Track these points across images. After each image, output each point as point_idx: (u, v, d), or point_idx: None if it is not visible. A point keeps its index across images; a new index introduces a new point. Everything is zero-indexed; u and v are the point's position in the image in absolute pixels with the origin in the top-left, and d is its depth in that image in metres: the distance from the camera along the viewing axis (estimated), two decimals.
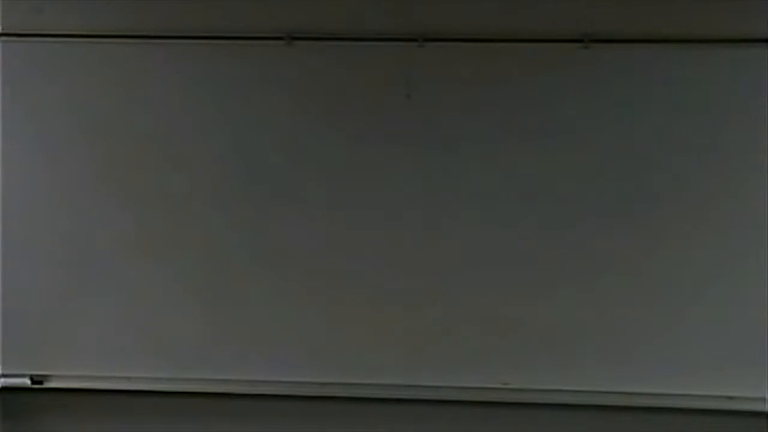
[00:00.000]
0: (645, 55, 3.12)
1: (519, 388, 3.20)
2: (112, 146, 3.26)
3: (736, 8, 3.09)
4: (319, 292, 3.23)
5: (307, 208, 3.22)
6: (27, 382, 3.33)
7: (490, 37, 3.15)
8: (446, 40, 3.16)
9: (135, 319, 3.27)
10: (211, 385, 3.27)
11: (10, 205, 3.26)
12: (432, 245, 3.20)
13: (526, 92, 3.17)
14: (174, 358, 3.27)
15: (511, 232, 3.18)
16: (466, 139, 3.18)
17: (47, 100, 3.27)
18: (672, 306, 3.15)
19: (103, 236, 3.26)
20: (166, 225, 3.26)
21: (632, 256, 3.15)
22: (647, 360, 3.15)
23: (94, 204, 3.26)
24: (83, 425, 3.38)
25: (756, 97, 3.09)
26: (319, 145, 3.22)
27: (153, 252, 3.26)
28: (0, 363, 3.31)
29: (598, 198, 3.15)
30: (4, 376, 3.33)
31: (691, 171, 3.13)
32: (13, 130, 3.26)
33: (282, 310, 3.25)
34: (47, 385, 3.34)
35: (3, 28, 3.25)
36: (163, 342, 3.27)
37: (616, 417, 3.21)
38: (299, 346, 3.25)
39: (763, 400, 3.12)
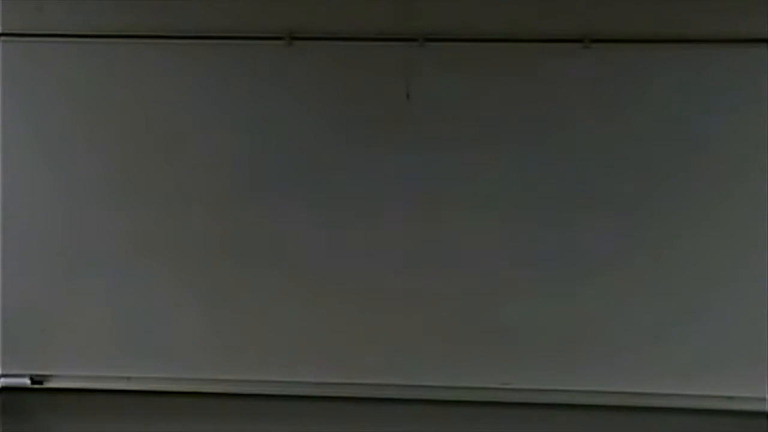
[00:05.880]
0: (645, 55, 3.12)
1: (519, 388, 3.20)
2: (112, 146, 3.26)
3: (736, 8, 3.09)
4: (319, 291, 3.23)
5: (307, 208, 3.22)
6: (27, 382, 3.34)
7: (490, 37, 3.15)
8: (446, 40, 3.16)
9: (135, 319, 3.27)
10: (211, 385, 3.28)
11: (10, 205, 3.26)
12: (432, 245, 3.19)
13: (526, 92, 3.17)
14: (174, 358, 3.27)
15: (512, 231, 3.18)
16: (466, 139, 3.18)
17: (47, 100, 3.26)
18: (672, 306, 3.15)
19: (103, 236, 3.26)
20: (166, 225, 3.26)
21: (632, 256, 3.15)
22: (647, 360, 3.15)
23: (94, 204, 3.26)
24: (83, 425, 3.39)
25: (756, 97, 3.09)
26: (318, 144, 3.22)
27: (153, 252, 3.26)
28: (0, 363, 3.31)
29: (597, 198, 3.15)
30: (4, 376, 3.33)
31: (691, 171, 3.13)
32: (13, 130, 3.26)
33: (282, 310, 3.25)
34: (47, 385, 3.34)
35: (3, 28, 3.25)
36: (162, 342, 3.27)
37: (616, 417, 3.21)
38: (299, 346, 3.25)
39: (763, 400, 3.12)
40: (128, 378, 3.30)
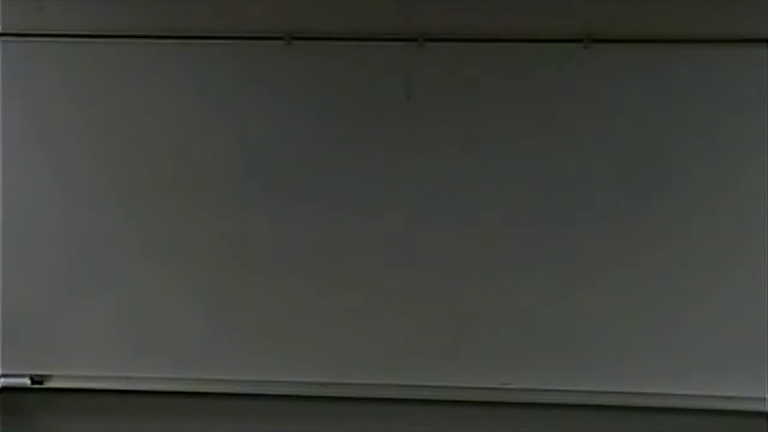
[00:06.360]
0: (645, 55, 3.12)
1: (519, 388, 3.20)
2: (112, 146, 3.26)
3: (736, 8, 3.09)
4: (319, 291, 3.23)
5: (307, 208, 3.22)
6: (27, 382, 3.33)
7: (490, 37, 3.15)
8: (446, 40, 3.16)
9: (135, 319, 3.27)
10: (211, 385, 3.27)
11: (10, 205, 3.26)
12: (431, 245, 3.19)
13: (526, 92, 3.17)
14: (174, 358, 3.27)
15: (511, 232, 3.18)
16: (465, 140, 3.18)
17: (47, 100, 3.27)
18: (672, 306, 3.15)
19: (103, 236, 3.26)
20: (166, 225, 3.26)
21: (632, 255, 3.15)
22: (647, 360, 3.15)
23: (95, 204, 3.26)
24: (83, 425, 3.38)
25: (756, 97, 3.09)
26: (318, 145, 3.22)
27: (153, 252, 3.26)
28: (0, 363, 3.31)
29: (598, 198, 3.15)
30: (4, 376, 3.33)
31: (691, 171, 3.13)
32: (13, 130, 3.26)
33: (282, 309, 3.25)
34: (47, 385, 3.33)
35: (3, 28, 3.25)
36: (162, 342, 3.27)
37: (616, 417, 3.21)
38: (299, 345, 3.25)
39: (763, 400, 3.12)
40: (128, 378, 3.29)
